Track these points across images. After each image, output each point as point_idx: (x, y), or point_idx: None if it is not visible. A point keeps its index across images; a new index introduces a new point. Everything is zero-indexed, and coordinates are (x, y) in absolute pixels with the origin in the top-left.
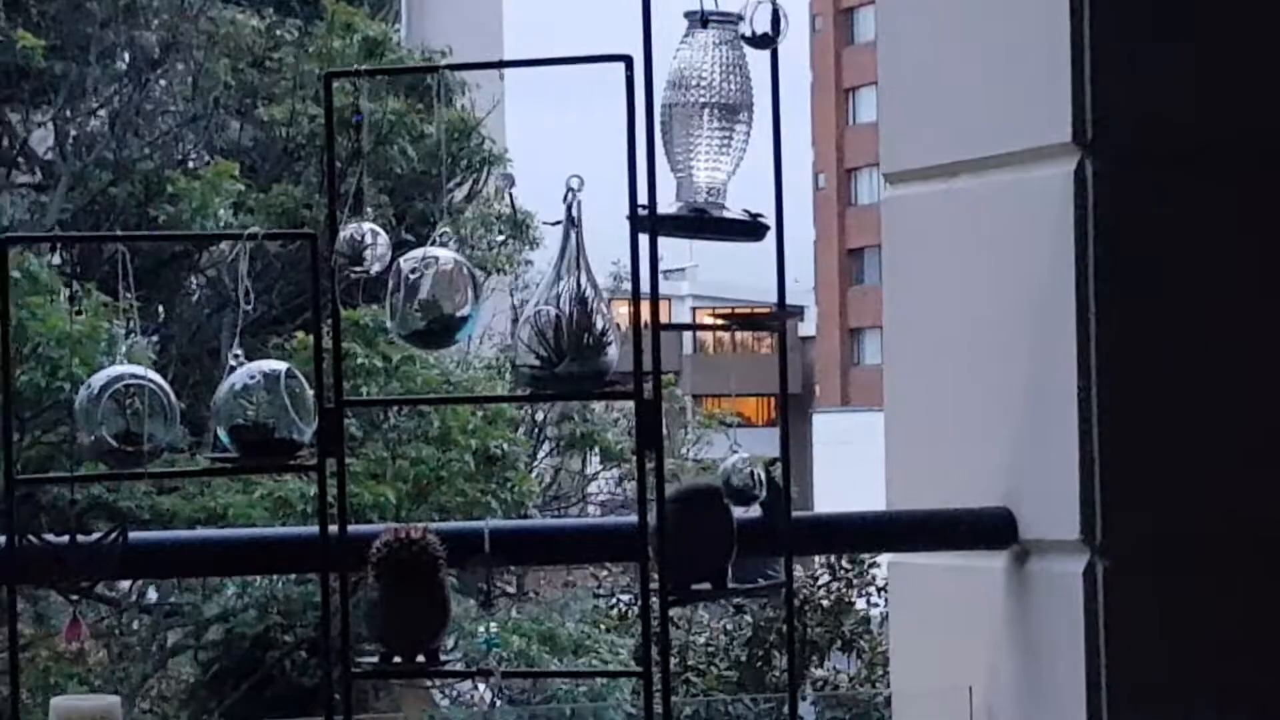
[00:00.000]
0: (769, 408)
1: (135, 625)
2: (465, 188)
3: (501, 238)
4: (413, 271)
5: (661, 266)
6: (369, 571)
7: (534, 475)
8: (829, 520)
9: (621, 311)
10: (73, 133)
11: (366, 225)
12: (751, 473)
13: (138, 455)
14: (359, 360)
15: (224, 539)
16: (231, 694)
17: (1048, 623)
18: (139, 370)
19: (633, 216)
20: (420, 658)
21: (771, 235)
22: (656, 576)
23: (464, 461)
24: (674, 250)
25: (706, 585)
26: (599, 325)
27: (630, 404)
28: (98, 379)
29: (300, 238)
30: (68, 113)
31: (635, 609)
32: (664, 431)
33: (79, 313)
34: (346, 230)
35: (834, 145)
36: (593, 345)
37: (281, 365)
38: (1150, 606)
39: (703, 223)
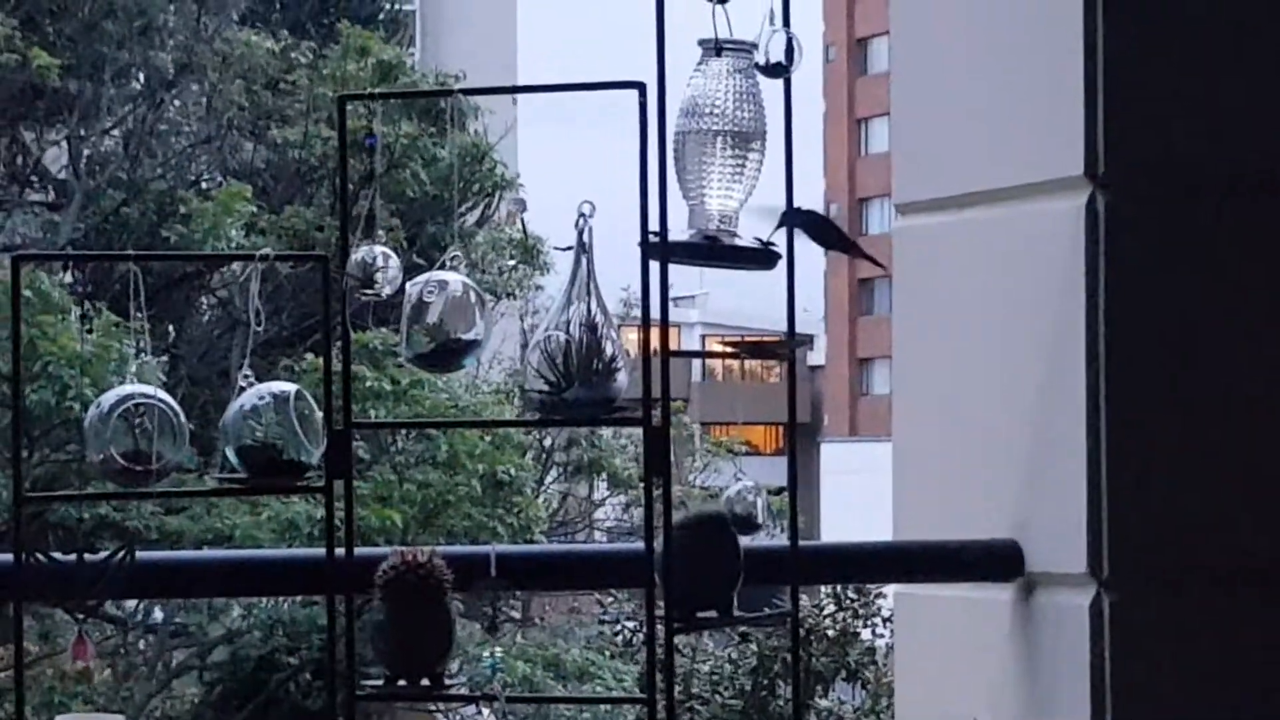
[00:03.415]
0: (777, 436)
1: (140, 645)
2: (477, 212)
3: (512, 262)
4: (423, 295)
5: (671, 294)
6: (375, 594)
7: (541, 500)
8: (836, 550)
9: (631, 338)
10: (86, 152)
11: (378, 248)
12: (760, 501)
13: (146, 474)
14: (367, 383)
15: (231, 560)
16: (235, 715)
17: (1054, 655)
18: (149, 389)
19: (644, 243)
20: (425, 681)
21: (782, 264)
22: (662, 603)
23: (471, 486)
24: (683, 278)
25: (712, 613)
26: (609, 351)
27: (638, 430)
28: (108, 398)
29: (312, 259)
30: (82, 132)
31: (640, 636)
32: (671, 459)
33: (90, 331)
34: (358, 253)
35: (846, 175)
36: (602, 371)
37: (291, 387)
38: (1157, 640)
39: (714, 250)
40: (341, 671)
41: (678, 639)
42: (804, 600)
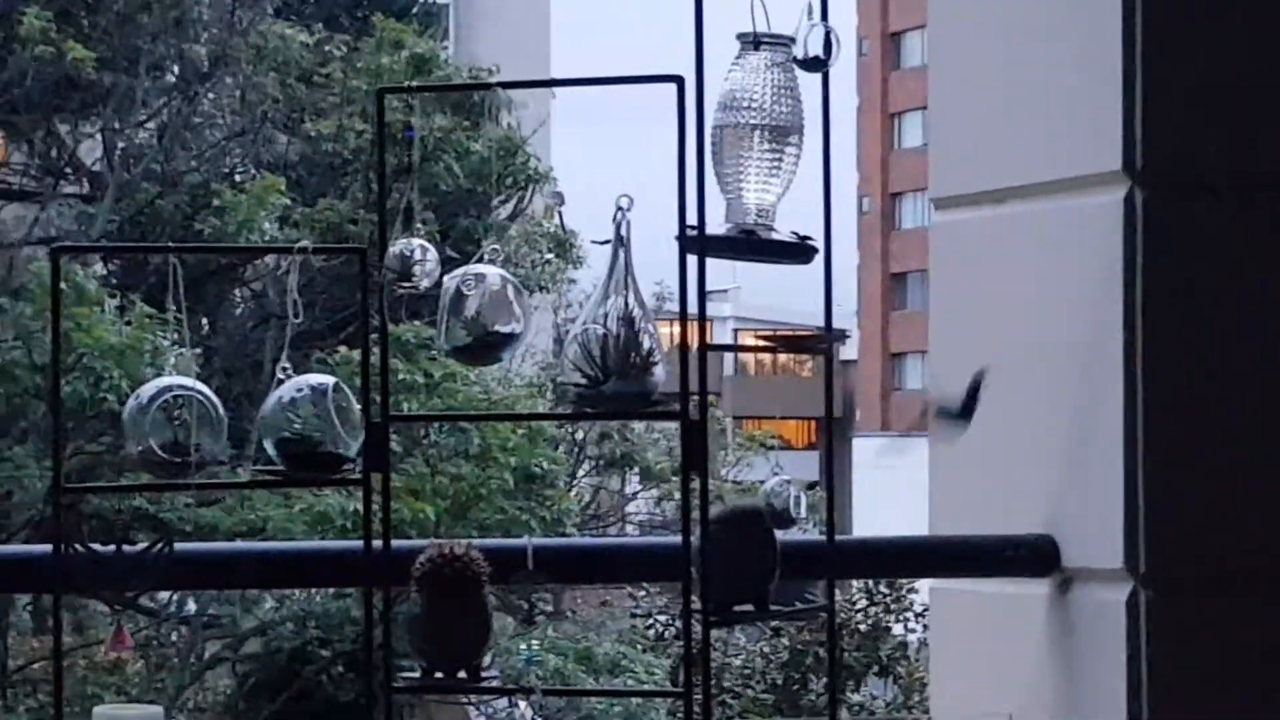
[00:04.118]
0: (809, 431)
1: (173, 637)
2: (510, 206)
3: (546, 256)
4: (461, 287)
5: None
6: (412, 587)
7: (573, 494)
8: (872, 544)
9: (664, 332)
10: (121, 145)
11: (416, 241)
12: (796, 495)
13: (185, 466)
14: (400, 376)
15: (269, 552)
16: (268, 707)
17: (1089, 651)
18: (187, 381)
19: (682, 237)
20: (461, 674)
21: (818, 258)
22: (698, 597)
23: (503, 479)
24: (716, 273)
25: (749, 607)
26: (646, 345)
27: (671, 424)
28: (146, 389)
29: (350, 252)
30: (116, 124)
31: (671, 630)
32: (711, 449)
33: (128, 323)
34: (396, 245)
35: (879, 169)
36: (639, 365)
37: (329, 380)
38: (1193, 638)
39: (751, 244)
40: (377, 663)
41: (711, 633)
42: (836, 595)
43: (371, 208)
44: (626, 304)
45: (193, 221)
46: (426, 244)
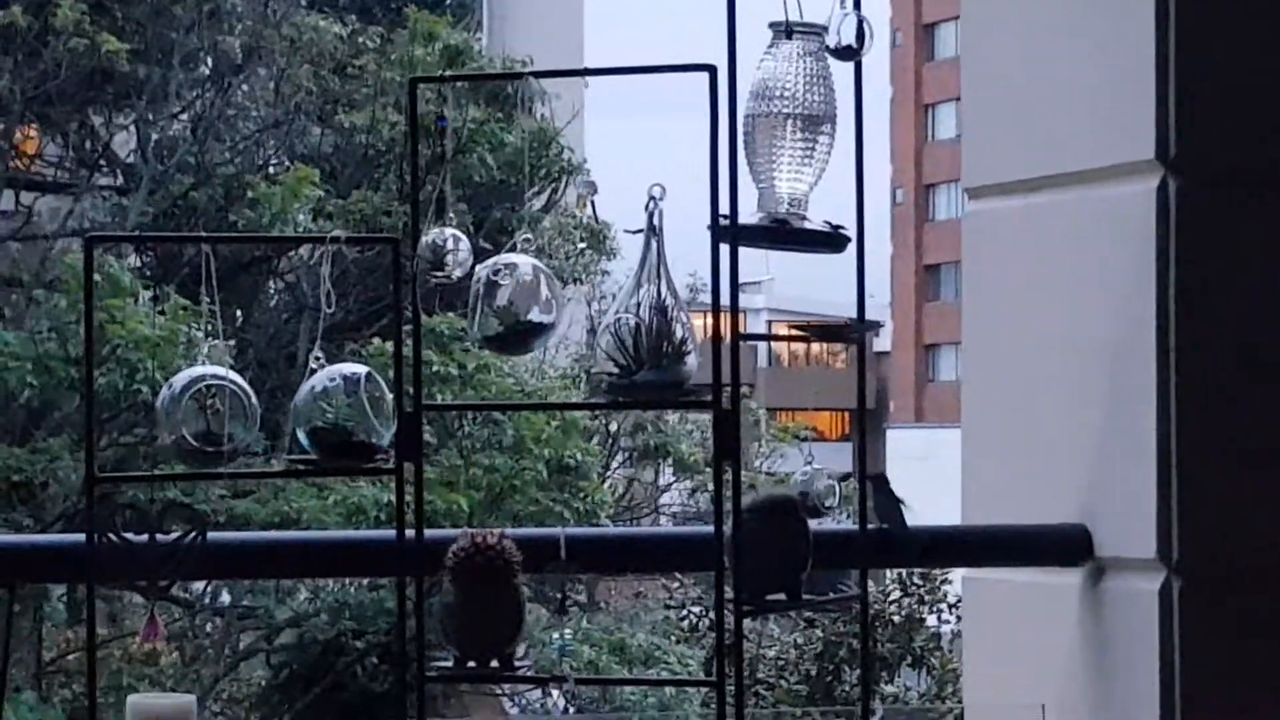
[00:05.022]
0: (843, 422)
1: (208, 628)
2: (544, 197)
3: (580, 246)
4: (493, 276)
5: (739, 279)
6: (445, 576)
7: (607, 485)
8: (904, 535)
9: (697, 323)
10: (154, 136)
11: (449, 231)
12: (829, 486)
13: (218, 455)
14: (434, 368)
15: (302, 541)
16: (302, 698)
17: (1122, 640)
18: (220, 371)
19: (714, 226)
20: (494, 663)
21: (851, 248)
22: (731, 587)
23: (537, 470)
24: (749, 263)
25: (781, 596)
26: (679, 334)
27: (704, 415)
28: (179, 379)
29: (383, 242)
30: (150, 116)
31: (705, 620)
32: (745, 440)
33: (161, 313)
34: (429, 235)
35: (912, 160)
36: (672, 354)
37: (362, 369)
38: (1226, 627)
39: (784, 233)
40: (411, 653)
41: (744, 623)
42: (870, 586)
43: (405, 199)
44: (659, 293)
45: (226, 213)
46: (459, 234)
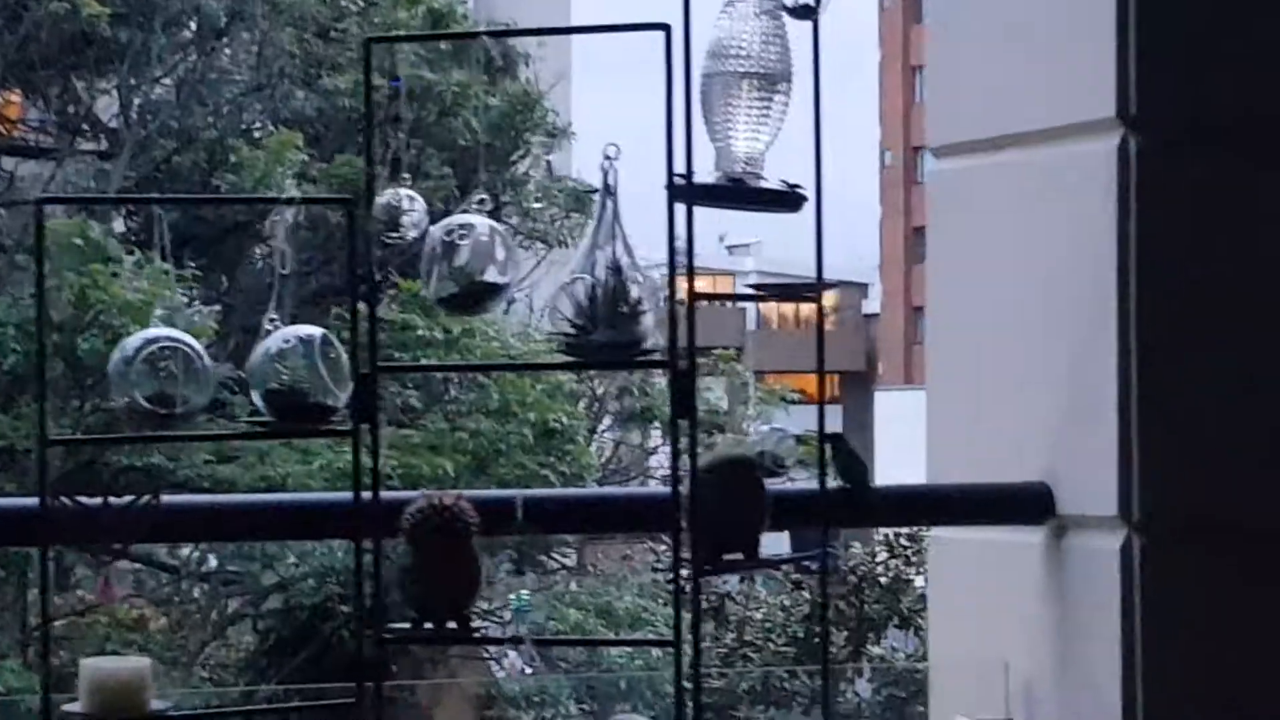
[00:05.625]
0: (832, 384)
1: (195, 593)
2: (528, 161)
3: (564, 211)
4: (448, 237)
5: (726, 242)
6: (402, 537)
7: (594, 449)
8: (866, 494)
9: (682, 285)
10: (137, 101)
11: (404, 191)
12: (787, 446)
13: (171, 418)
14: (419, 332)
15: (259, 504)
16: (289, 663)
17: (1084, 597)
18: (173, 333)
19: (670, 186)
20: (451, 624)
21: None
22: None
23: (523, 434)
24: (739, 226)
25: (739, 555)
26: (634, 294)
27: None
28: (131, 342)
29: (337, 203)
30: (132, 81)
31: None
32: (729, 405)
33: (139, 269)
34: (383, 197)
35: (901, 123)
36: (627, 314)
37: (318, 331)
38: (1186, 583)
39: (740, 193)
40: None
41: (729, 586)
42: (857, 547)
43: (386, 163)
44: (614, 253)
45: (210, 178)
46: (414, 194)
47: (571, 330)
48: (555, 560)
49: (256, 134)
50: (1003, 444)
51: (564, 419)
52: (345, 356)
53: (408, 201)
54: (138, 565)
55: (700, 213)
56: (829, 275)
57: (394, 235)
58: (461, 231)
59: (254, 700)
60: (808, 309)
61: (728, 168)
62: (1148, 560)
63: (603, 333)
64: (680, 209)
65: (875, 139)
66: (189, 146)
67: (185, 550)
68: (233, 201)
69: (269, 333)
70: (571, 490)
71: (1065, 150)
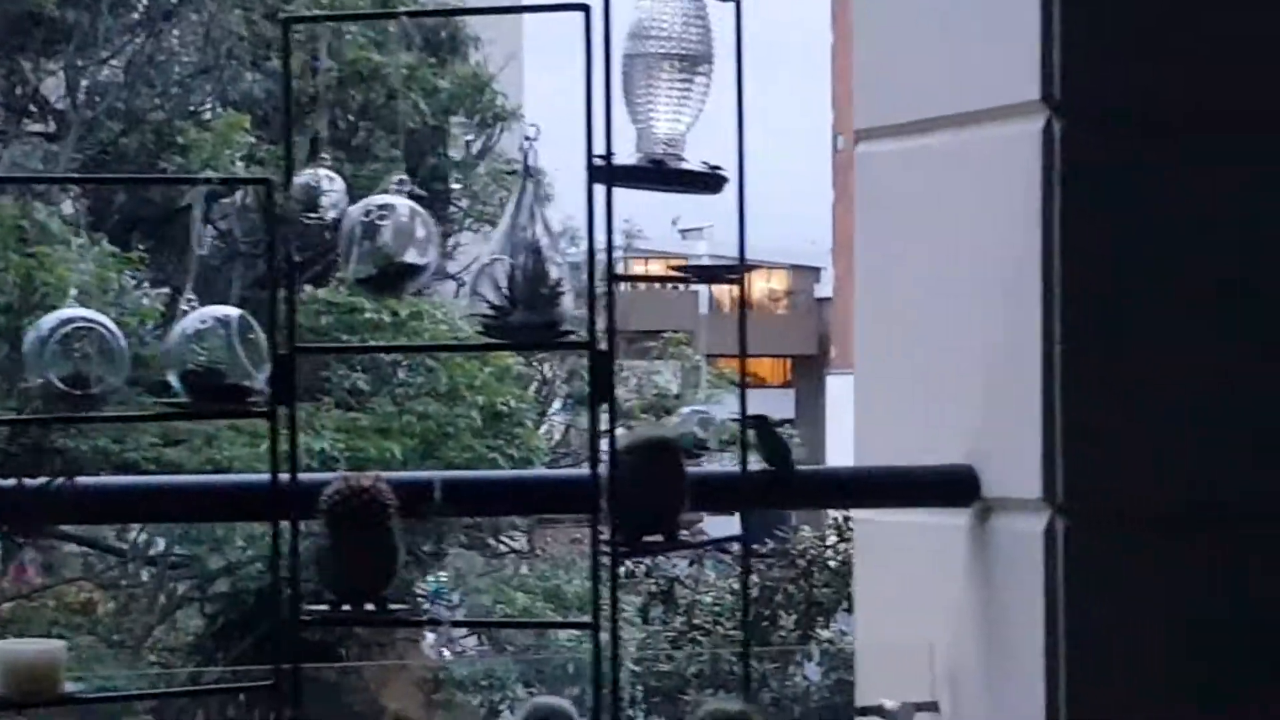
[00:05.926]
0: (784, 368)
1: (143, 576)
2: (478, 144)
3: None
4: (366, 218)
5: (679, 226)
6: (320, 519)
7: (543, 431)
8: (790, 476)
9: (638, 268)
10: (84, 82)
11: (322, 172)
12: (706, 425)
13: (86, 399)
14: (367, 314)
15: (176, 485)
16: (237, 646)
17: (1009, 579)
18: (89, 313)
19: (590, 167)
20: (369, 606)
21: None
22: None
23: (471, 418)
24: (693, 210)
25: (659, 538)
26: (553, 275)
27: (640, 362)
28: (46, 322)
29: (255, 183)
30: (79, 62)
31: (643, 566)
32: (681, 388)
33: (85, 251)
34: (301, 177)
35: (853, 107)
36: (546, 295)
37: (235, 311)
38: (1109, 567)
39: (661, 174)
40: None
41: (680, 570)
42: (807, 531)
43: (338, 144)
44: (534, 234)
45: (158, 159)
46: (333, 175)
47: (490, 311)
48: (504, 544)
49: (205, 116)
50: (929, 427)
51: (512, 402)
52: (264, 337)
53: (326, 182)
54: (85, 549)
55: (655, 197)
56: (779, 259)
57: (313, 215)
58: (381, 212)
59: (200, 683)
60: (759, 292)
61: (649, 149)
62: (1071, 543)
63: (522, 314)
64: (600, 190)
65: (828, 124)
66: (136, 128)
67: (133, 533)
68: (156, 181)
69: (185, 313)
70: (490, 472)
71: (989, 133)
